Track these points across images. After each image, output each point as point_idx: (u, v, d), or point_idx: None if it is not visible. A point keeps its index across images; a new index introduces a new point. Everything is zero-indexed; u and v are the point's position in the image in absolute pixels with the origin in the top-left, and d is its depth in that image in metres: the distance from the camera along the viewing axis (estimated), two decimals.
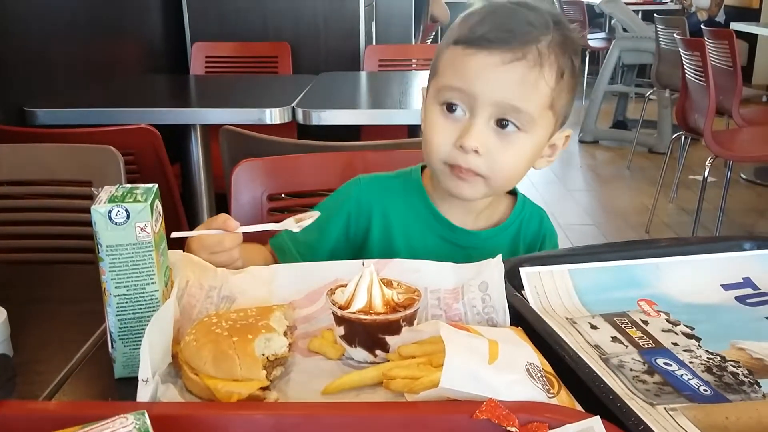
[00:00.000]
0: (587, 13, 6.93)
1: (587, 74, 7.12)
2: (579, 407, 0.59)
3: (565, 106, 0.93)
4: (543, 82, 0.87)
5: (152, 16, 3.10)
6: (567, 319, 0.78)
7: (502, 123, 0.88)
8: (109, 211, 0.66)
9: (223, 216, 0.86)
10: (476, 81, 0.86)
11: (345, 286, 0.74)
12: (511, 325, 0.75)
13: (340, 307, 0.72)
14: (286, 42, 3.15)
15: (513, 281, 0.82)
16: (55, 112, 2.00)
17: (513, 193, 1.06)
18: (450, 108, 0.89)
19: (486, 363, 0.61)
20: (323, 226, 0.95)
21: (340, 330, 0.72)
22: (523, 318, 0.75)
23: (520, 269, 0.84)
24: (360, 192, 1.03)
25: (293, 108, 2.03)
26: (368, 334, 0.71)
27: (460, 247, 0.99)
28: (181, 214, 1.86)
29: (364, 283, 0.72)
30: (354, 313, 0.71)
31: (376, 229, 1.01)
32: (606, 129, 5.55)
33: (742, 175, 4.44)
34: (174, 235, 0.81)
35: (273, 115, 1.99)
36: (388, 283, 0.76)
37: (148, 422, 0.52)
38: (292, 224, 0.86)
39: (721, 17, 6.67)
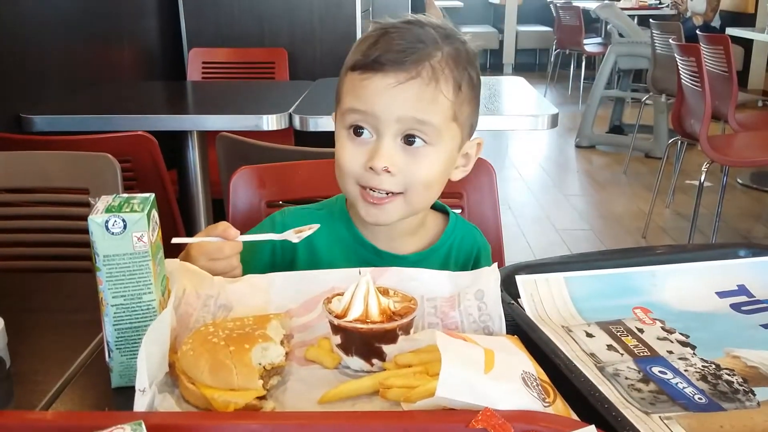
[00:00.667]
0: (583, 18, 6.96)
1: (583, 79, 7.14)
2: (574, 416, 0.60)
3: (469, 117, 0.94)
4: (441, 96, 0.88)
5: (149, 23, 3.11)
6: (562, 327, 0.78)
7: (409, 139, 0.88)
8: (106, 221, 0.66)
9: (223, 224, 0.86)
10: (376, 102, 0.87)
11: (341, 294, 0.75)
12: (507, 333, 0.75)
13: (336, 316, 0.72)
14: (282, 48, 3.15)
15: (509, 289, 0.82)
16: (51, 119, 2.01)
17: (446, 213, 1.06)
18: (357, 131, 0.90)
19: (482, 372, 0.61)
20: (248, 258, 0.95)
21: (337, 339, 0.73)
22: (518, 326, 0.75)
23: (516, 277, 0.84)
24: (283, 225, 1.01)
25: (290, 114, 2.04)
26: (365, 343, 0.71)
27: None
28: (178, 220, 1.86)
29: (361, 292, 0.73)
30: (350, 322, 0.71)
31: (302, 259, 1.00)
32: (602, 134, 5.56)
33: (738, 180, 4.45)
34: (174, 240, 0.82)
35: (270, 122, 1.99)
36: (385, 292, 0.76)
37: None
38: (292, 235, 0.87)
39: (716, 22, 6.70)
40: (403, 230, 0.99)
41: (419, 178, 0.90)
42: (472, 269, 1.00)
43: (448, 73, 0.88)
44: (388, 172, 0.88)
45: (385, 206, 0.91)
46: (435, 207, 1.06)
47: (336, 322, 0.72)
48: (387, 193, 0.90)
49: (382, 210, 0.91)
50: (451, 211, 1.06)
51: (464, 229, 1.05)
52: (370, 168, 0.88)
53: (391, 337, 0.71)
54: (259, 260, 0.99)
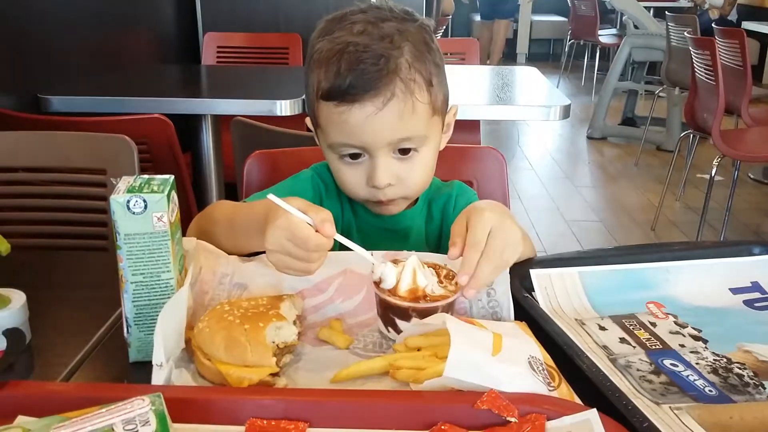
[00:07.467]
0: (599, 9, 6.90)
1: (597, 70, 7.09)
2: (578, 400, 0.61)
3: (444, 98, 0.95)
4: (419, 104, 0.89)
5: (165, 6, 3.11)
6: (576, 320, 0.79)
7: (401, 151, 0.92)
8: (128, 201, 0.68)
9: (325, 214, 0.74)
10: (361, 133, 0.89)
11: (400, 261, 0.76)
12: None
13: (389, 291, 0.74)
14: (297, 33, 3.15)
15: (523, 283, 0.83)
16: (68, 100, 2.02)
17: None
18: (351, 156, 0.93)
19: (490, 355, 0.62)
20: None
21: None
22: (532, 319, 0.76)
23: (531, 271, 0.85)
24: (316, 178, 1.05)
25: (303, 100, 2.04)
26: (384, 308, 0.76)
27: (391, 231, 1.04)
28: (192, 202, 1.88)
29: (410, 268, 0.75)
30: (380, 287, 0.75)
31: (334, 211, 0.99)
32: (615, 126, 5.53)
33: (750, 175, 4.43)
34: (269, 197, 0.74)
35: (283, 107, 2.00)
36: (447, 275, 0.78)
37: (164, 404, 0.53)
38: (382, 262, 0.78)
39: (733, 16, 6.63)
40: None
41: (418, 180, 0.96)
42: (453, 210, 1.06)
43: (418, 78, 0.89)
44: (391, 185, 0.93)
45: (393, 204, 0.98)
46: None
47: (374, 289, 0.75)
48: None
49: (391, 207, 0.98)
50: None
51: (440, 183, 1.09)
52: (373, 186, 0.92)
53: (402, 313, 0.73)
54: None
